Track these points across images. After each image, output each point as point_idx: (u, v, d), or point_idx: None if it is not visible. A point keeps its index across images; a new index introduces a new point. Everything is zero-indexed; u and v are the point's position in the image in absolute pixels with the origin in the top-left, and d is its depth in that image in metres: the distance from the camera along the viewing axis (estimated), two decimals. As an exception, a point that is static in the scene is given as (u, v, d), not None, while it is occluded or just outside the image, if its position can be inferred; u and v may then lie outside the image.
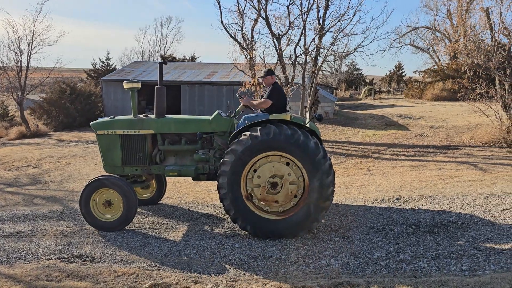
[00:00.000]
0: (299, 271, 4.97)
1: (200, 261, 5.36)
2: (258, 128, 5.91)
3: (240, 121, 6.58)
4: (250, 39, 14.78)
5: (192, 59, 43.34)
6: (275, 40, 14.43)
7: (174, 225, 6.82)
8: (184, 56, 44.06)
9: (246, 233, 6.29)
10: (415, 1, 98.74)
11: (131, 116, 7.05)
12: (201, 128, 6.81)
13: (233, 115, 6.92)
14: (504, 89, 13.64)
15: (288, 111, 6.73)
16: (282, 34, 14.44)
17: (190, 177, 7.10)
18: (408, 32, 36.38)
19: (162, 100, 6.94)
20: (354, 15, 15.13)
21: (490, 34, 13.88)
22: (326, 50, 15.25)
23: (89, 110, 23.62)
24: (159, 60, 6.92)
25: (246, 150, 5.87)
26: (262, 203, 6.04)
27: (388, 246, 5.63)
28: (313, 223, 5.96)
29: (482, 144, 13.25)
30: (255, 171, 5.99)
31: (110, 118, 7.14)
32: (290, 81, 14.57)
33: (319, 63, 15.40)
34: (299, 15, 14.69)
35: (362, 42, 27.90)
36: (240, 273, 4.97)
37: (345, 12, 14.76)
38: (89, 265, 5.22)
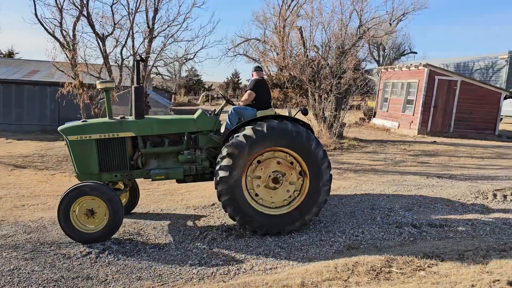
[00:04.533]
0: (105, 291, 4.65)
1: (-16, 293, 4.59)
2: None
3: (229, 112, 6.53)
4: (71, 37, 13.58)
5: (10, 54, 38.09)
6: (99, 40, 13.56)
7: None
8: (-1, 51, 38.41)
9: (52, 253, 5.66)
10: (248, 14, 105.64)
11: (106, 119, 6.43)
12: (186, 128, 6.54)
13: (216, 113, 6.76)
14: (315, 99, 15.48)
15: (272, 108, 6.74)
16: (107, 34, 13.65)
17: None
18: (242, 42, 38.46)
19: (141, 101, 6.56)
20: (183, 22, 15.24)
21: (303, 50, 15.62)
22: (156, 55, 15.02)
23: None
24: (137, 58, 6.25)
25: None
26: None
27: (202, 253, 5.71)
28: None
29: (298, 148, 14.76)
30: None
31: (82, 121, 6.48)
32: (117, 84, 13.87)
33: (149, 67, 15.08)
34: (126, 15, 14.12)
35: (190, 49, 28.42)
36: (34, 301, 4.41)
37: (175, 18, 14.78)
38: None
